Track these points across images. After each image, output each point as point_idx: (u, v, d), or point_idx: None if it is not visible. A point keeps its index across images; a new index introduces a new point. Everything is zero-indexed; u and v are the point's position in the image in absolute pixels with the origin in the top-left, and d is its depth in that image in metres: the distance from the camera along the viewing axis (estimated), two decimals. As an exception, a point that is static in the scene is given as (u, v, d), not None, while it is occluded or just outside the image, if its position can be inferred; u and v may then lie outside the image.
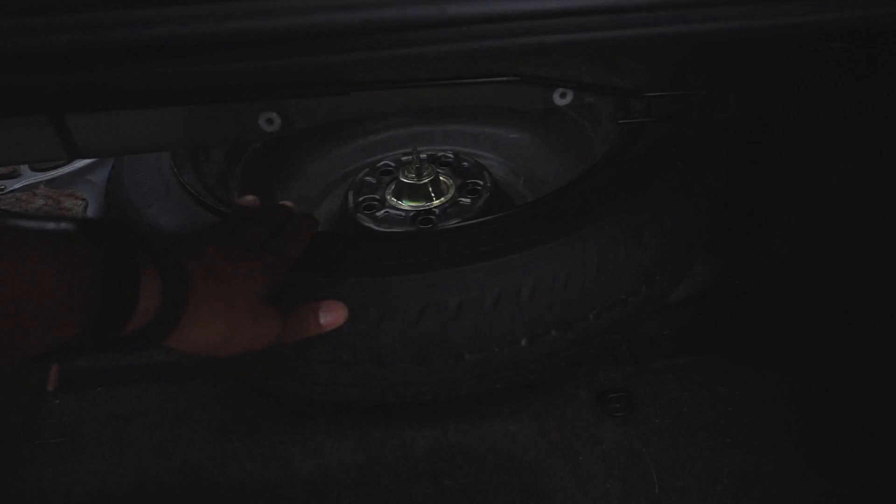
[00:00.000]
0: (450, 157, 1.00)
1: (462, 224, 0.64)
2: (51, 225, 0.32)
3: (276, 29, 0.39)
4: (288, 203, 0.66)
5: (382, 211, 0.93)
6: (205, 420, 0.84)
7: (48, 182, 0.87)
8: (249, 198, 0.65)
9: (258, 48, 0.41)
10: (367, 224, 0.91)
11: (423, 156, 0.94)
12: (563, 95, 0.59)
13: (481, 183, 0.94)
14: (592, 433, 0.77)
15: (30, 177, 0.90)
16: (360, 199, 0.95)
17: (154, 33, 0.35)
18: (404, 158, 0.98)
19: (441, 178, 0.93)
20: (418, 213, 0.91)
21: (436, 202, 0.92)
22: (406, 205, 0.92)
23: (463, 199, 0.92)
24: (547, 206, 0.64)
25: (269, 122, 0.55)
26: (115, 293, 0.32)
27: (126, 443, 0.83)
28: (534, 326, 0.61)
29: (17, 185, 0.86)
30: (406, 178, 0.91)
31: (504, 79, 0.52)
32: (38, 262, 0.28)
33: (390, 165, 0.99)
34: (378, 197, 0.95)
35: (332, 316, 0.55)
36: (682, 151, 0.68)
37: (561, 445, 0.77)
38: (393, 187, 0.94)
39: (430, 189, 0.92)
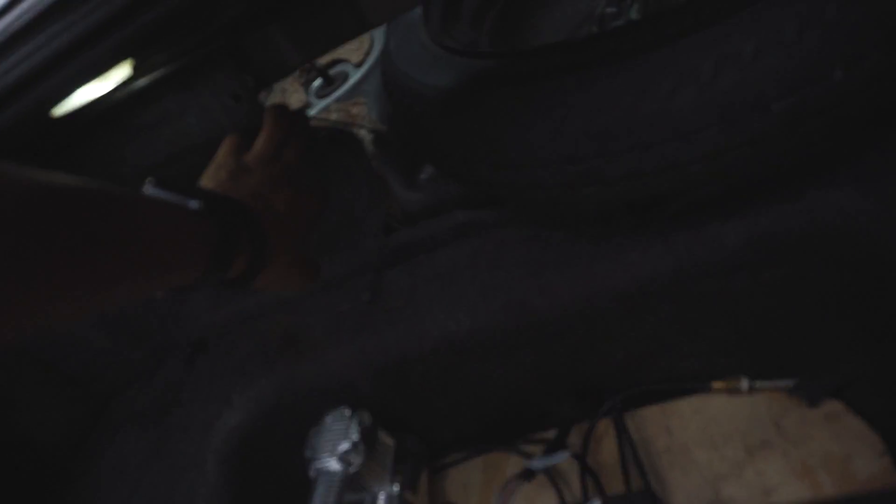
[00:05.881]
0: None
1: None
2: (192, 203, 0.47)
3: None
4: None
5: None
6: (515, 261, 0.89)
7: (336, 101, 1.02)
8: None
9: None
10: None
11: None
12: None
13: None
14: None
15: (319, 104, 1.07)
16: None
17: None
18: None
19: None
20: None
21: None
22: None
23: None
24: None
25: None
26: (222, 253, 0.47)
27: (454, 294, 0.91)
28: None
29: (313, 112, 1.04)
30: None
31: None
32: (183, 228, 0.45)
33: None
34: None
35: None
36: None
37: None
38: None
39: None
